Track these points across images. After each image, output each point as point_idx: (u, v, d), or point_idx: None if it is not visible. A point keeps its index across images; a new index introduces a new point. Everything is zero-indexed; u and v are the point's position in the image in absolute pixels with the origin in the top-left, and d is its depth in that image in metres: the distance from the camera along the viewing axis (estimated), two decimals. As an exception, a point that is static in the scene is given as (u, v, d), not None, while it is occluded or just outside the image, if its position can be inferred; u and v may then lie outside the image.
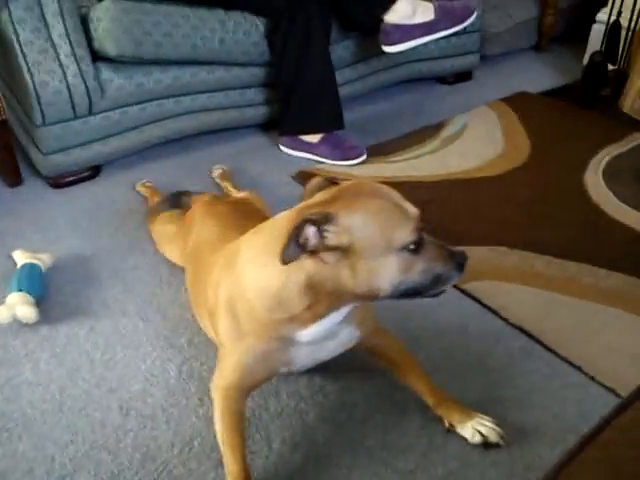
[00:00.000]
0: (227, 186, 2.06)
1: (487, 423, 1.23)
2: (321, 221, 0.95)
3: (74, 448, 1.26)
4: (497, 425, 1.23)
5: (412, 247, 1.00)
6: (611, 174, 2.24)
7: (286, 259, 0.96)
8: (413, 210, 1.03)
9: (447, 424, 1.25)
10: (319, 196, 1.07)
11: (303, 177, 2.21)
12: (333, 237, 0.96)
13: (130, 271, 1.76)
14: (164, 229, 1.76)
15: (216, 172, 2.15)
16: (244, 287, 1.09)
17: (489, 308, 1.61)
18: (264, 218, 1.32)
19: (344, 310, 1.09)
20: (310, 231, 0.95)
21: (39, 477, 1.20)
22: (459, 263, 1.05)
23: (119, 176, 2.22)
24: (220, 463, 1.22)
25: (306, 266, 1.00)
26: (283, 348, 1.13)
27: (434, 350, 1.43)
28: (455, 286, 1.68)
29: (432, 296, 1.08)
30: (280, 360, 1.16)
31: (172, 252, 1.71)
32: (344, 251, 0.98)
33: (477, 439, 1.22)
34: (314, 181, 1.17)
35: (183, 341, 1.52)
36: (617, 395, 1.34)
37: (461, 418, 1.24)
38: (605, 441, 0.66)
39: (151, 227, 1.83)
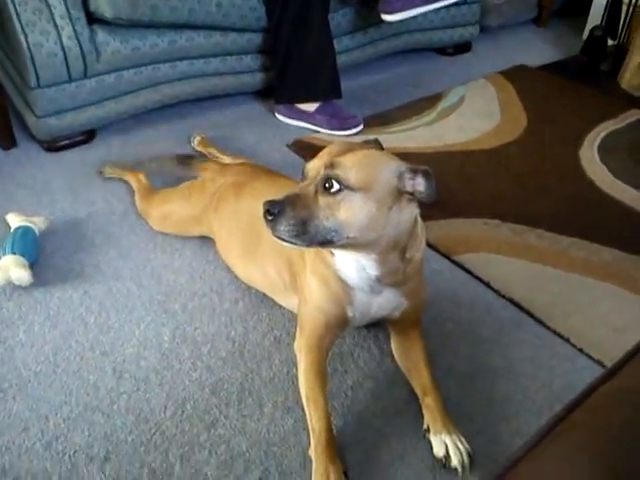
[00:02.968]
0: (213, 152, 2.04)
1: (459, 445, 1.17)
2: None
3: (68, 409, 1.28)
4: (468, 455, 1.16)
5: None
6: (606, 150, 2.25)
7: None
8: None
9: (425, 426, 1.23)
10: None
11: (299, 146, 2.20)
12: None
13: (124, 236, 1.76)
14: (172, 208, 1.72)
15: (195, 140, 2.13)
16: None
17: (480, 280, 1.62)
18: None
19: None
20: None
21: (33, 436, 1.22)
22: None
23: (114, 141, 2.21)
24: (212, 425, 1.24)
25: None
26: (343, 288, 1.23)
27: (426, 318, 1.45)
28: (448, 257, 1.70)
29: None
30: (345, 299, 1.25)
31: (189, 229, 1.71)
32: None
33: (440, 455, 1.17)
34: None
35: (177, 306, 1.53)
36: (604, 367, 1.37)
37: (439, 428, 1.20)
38: (590, 407, 0.67)
39: (149, 208, 1.78)
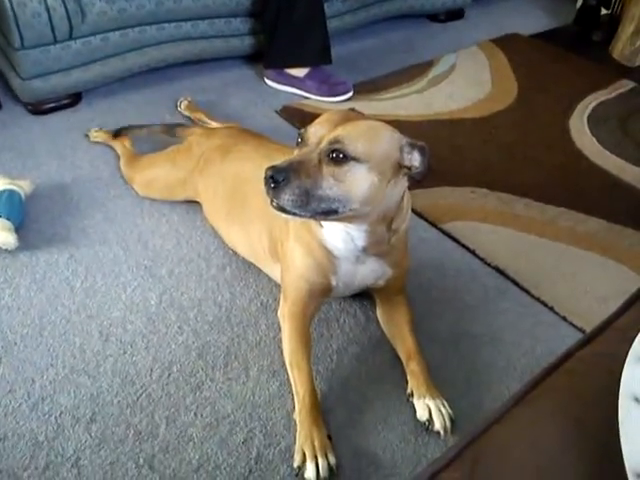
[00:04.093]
0: (201, 117, 2.02)
1: (442, 410, 1.19)
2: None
3: (54, 371, 1.28)
4: (450, 419, 1.18)
5: None
6: (596, 120, 2.25)
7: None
8: None
9: (409, 390, 1.24)
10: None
11: (288, 112, 2.18)
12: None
13: (110, 200, 1.75)
14: (157, 173, 1.71)
15: (183, 104, 2.10)
16: None
17: (466, 248, 1.63)
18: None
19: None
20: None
21: (20, 397, 1.22)
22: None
23: (100, 104, 2.17)
24: (198, 387, 1.25)
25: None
26: (328, 257, 1.23)
27: (411, 286, 1.46)
28: (435, 225, 1.70)
29: None
30: (329, 269, 1.25)
31: (175, 193, 1.69)
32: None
33: (423, 418, 1.19)
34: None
35: (164, 271, 1.53)
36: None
37: (423, 393, 1.21)
38: (567, 371, 0.69)
39: (134, 174, 1.76)
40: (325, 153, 1.04)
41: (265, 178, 1.02)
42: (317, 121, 1.11)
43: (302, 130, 1.10)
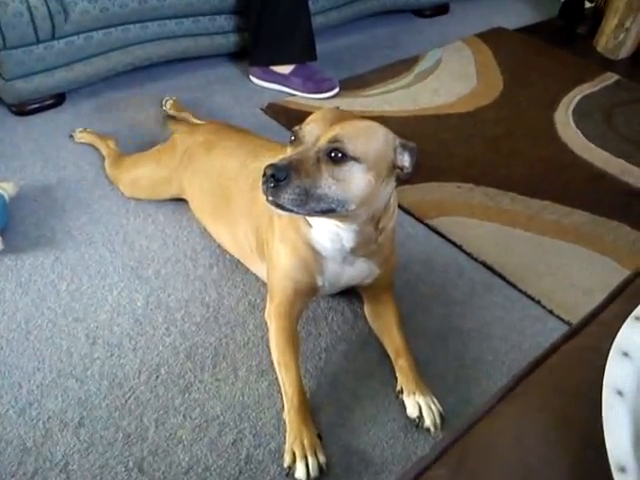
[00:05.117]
0: (186, 116, 1.99)
1: (432, 407, 1.19)
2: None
3: (41, 375, 1.27)
4: (440, 416, 1.19)
5: None
6: (581, 113, 2.26)
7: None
8: None
9: (399, 387, 1.24)
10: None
11: (273, 110, 2.18)
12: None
13: (96, 201, 1.73)
14: (142, 172, 1.70)
15: (168, 104, 2.08)
16: None
17: (453, 243, 1.64)
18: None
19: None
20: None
21: (7, 403, 1.21)
22: None
23: (84, 104, 2.16)
24: (187, 389, 1.25)
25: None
26: (315, 257, 1.23)
27: (399, 282, 1.46)
28: (421, 221, 1.70)
29: None
30: (315, 268, 1.24)
31: (160, 191, 1.68)
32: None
33: (414, 415, 1.19)
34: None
35: (150, 272, 1.52)
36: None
37: (413, 389, 1.22)
38: (551, 366, 0.69)
39: (119, 174, 1.75)
40: (324, 152, 1.03)
41: (265, 177, 1.00)
42: (311, 119, 1.10)
43: (296, 128, 1.09)
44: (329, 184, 1.03)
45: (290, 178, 1.00)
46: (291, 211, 1.04)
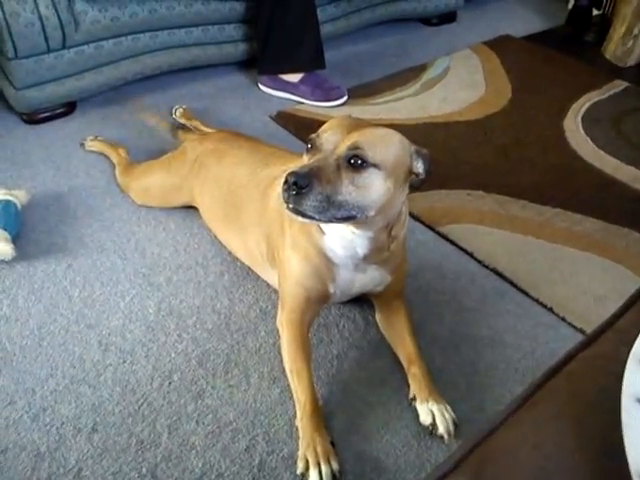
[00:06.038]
0: (196, 124, 2.01)
1: (446, 414, 1.19)
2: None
3: (54, 382, 1.28)
4: (453, 423, 1.18)
5: None
6: (590, 120, 2.26)
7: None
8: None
9: (411, 395, 1.24)
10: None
11: (282, 118, 2.19)
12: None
13: (107, 209, 1.74)
14: (153, 180, 1.71)
15: (178, 112, 2.09)
16: None
17: (464, 250, 1.64)
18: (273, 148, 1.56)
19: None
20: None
21: (20, 409, 1.22)
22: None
23: (95, 113, 2.17)
24: (199, 395, 1.25)
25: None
26: (326, 264, 1.23)
27: (410, 289, 1.46)
28: (432, 228, 1.70)
29: None
30: (327, 276, 1.25)
31: (171, 199, 1.69)
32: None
33: (427, 423, 1.19)
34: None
35: (162, 279, 1.53)
36: (585, 335, 1.39)
37: (426, 397, 1.21)
38: (568, 374, 0.69)
39: (130, 182, 1.76)
40: (345, 159, 1.04)
41: (287, 184, 1.01)
42: (328, 127, 1.11)
43: (313, 136, 1.09)
44: (349, 191, 1.03)
45: (312, 185, 1.00)
46: (312, 218, 1.04)
